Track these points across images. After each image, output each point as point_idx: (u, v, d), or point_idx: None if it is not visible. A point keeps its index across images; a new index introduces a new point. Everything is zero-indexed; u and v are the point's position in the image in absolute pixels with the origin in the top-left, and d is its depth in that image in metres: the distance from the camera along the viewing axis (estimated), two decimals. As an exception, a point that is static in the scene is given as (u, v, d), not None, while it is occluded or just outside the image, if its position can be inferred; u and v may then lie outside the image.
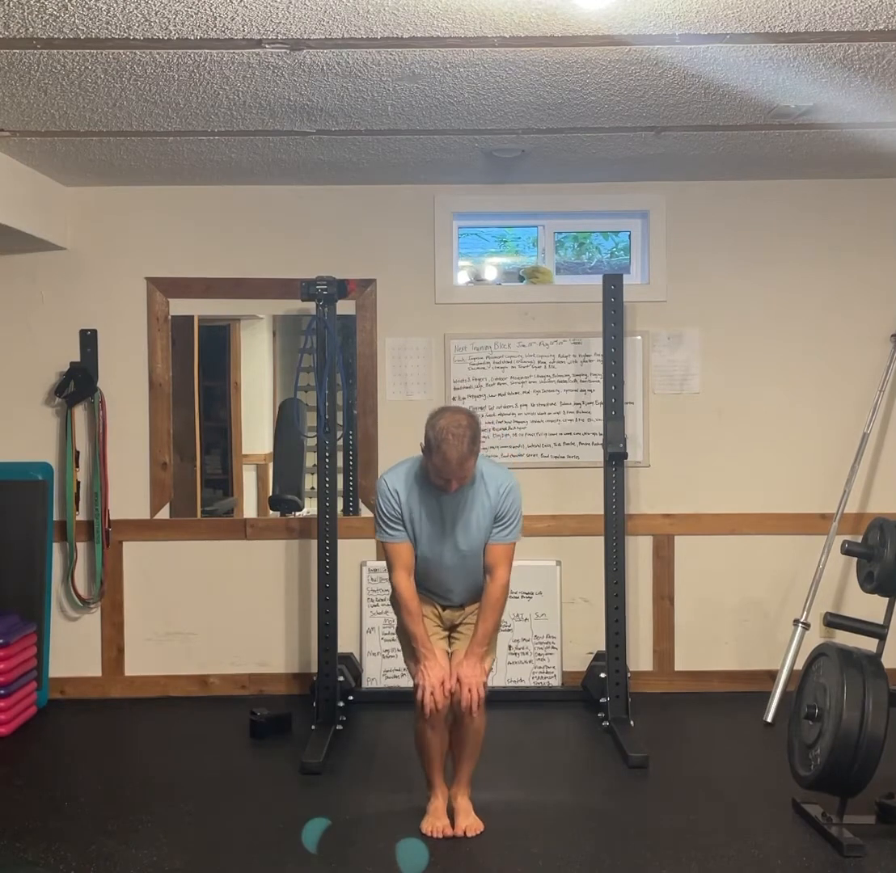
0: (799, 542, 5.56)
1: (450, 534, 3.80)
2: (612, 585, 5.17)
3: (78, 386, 5.48)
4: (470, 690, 3.74)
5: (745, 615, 5.63)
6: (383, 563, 4.06)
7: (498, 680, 5.48)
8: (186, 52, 3.51)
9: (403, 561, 3.82)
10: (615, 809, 4.19)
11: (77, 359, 5.52)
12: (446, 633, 3.97)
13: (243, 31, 3.33)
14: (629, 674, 5.23)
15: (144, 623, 5.61)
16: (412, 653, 3.84)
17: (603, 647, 5.22)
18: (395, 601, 3.88)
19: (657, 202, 5.62)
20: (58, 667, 5.52)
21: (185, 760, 4.74)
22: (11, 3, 3.09)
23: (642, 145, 4.81)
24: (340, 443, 5.47)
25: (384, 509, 3.80)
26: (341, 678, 5.18)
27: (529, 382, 5.62)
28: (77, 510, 5.54)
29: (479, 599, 3.89)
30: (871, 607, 4.32)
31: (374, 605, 5.53)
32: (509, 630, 5.51)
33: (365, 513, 5.55)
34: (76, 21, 3.22)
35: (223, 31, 3.33)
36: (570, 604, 5.60)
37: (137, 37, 3.35)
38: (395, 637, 5.40)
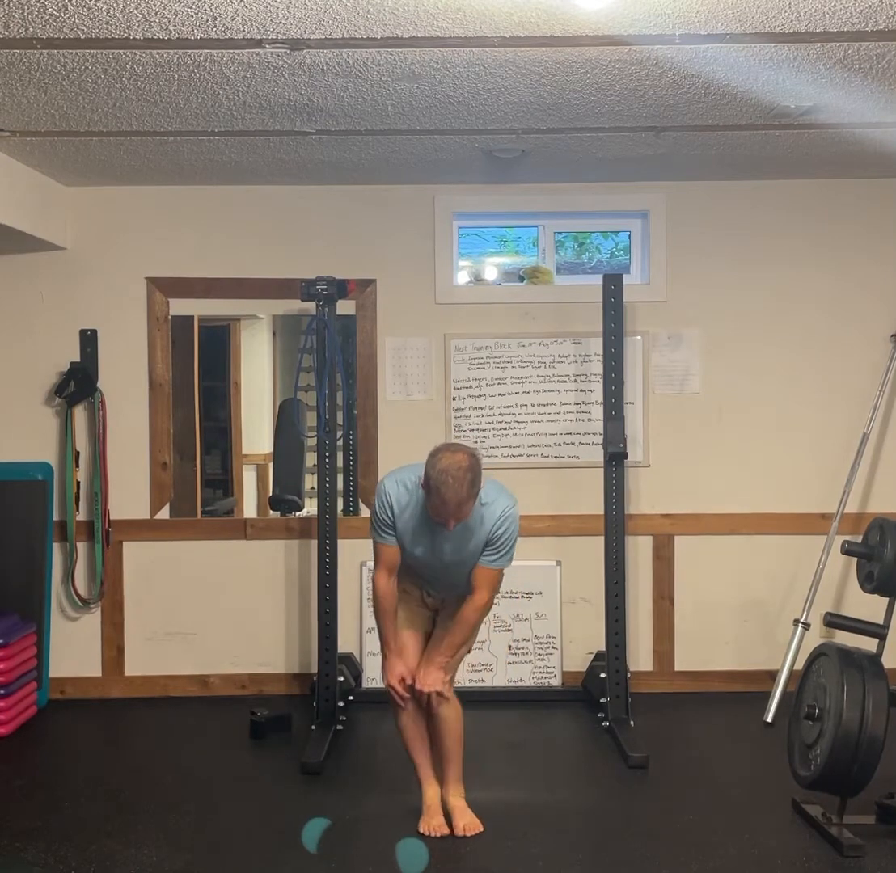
0: (799, 542, 5.56)
1: (438, 550, 3.81)
2: (612, 585, 5.17)
3: (78, 386, 5.48)
4: (425, 693, 3.85)
5: (745, 615, 5.63)
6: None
7: (498, 680, 5.50)
8: (186, 52, 3.51)
9: (388, 561, 3.86)
10: (615, 809, 4.19)
11: (77, 359, 5.52)
12: (430, 613, 4.00)
13: (243, 31, 3.33)
14: (629, 674, 5.23)
15: (144, 623, 5.61)
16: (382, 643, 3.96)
17: (603, 647, 5.22)
18: (374, 596, 3.93)
19: (657, 202, 5.62)
20: (58, 667, 5.52)
21: (185, 760, 4.75)
22: (11, 3, 3.09)
23: (642, 145, 4.81)
24: (340, 443, 5.47)
25: (379, 513, 3.84)
26: (341, 678, 5.18)
27: (529, 382, 5.62)
28: (77, 510, 5.54)
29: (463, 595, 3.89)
30: (871, 607, 4.32)
31: (374, 605, 5.53)
32: (509, 630, 5.52)
33: (365, 513, 5.55)
34: (76, 21, 3.22)
35: (223, 31, 3.33)
36: (570, 604, 5.60)
37: (137, 37, 3.35)
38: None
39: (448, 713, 3.90)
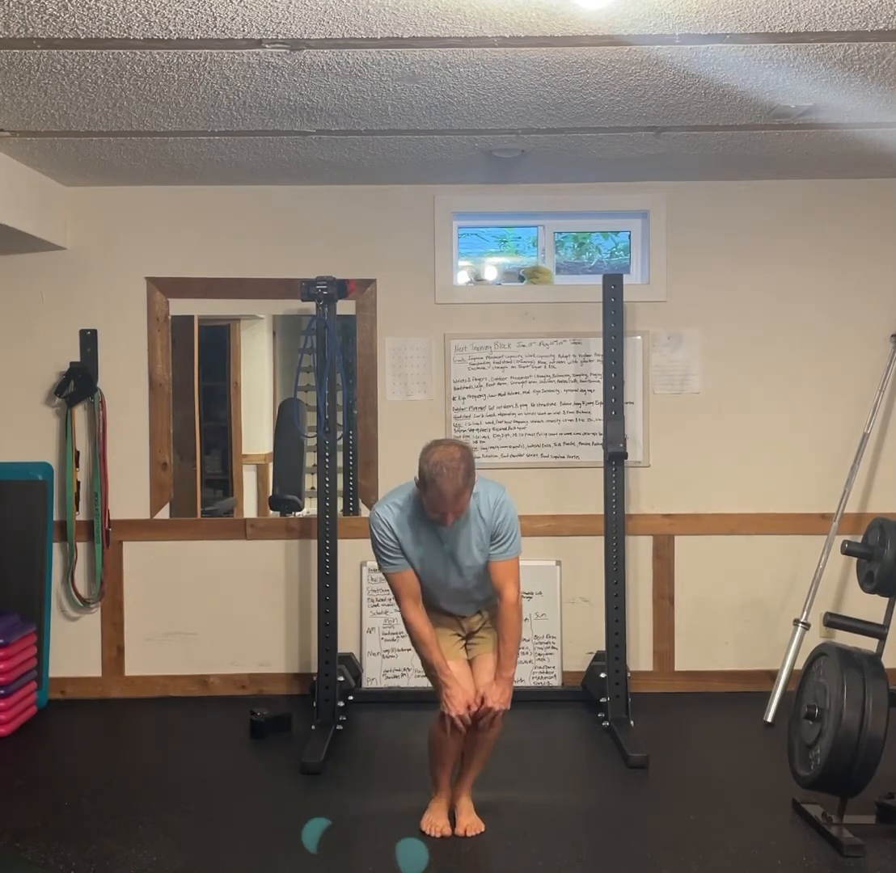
0: (799, 542, 5.56)
1: (451, 561, 3.77)
2: (612, 585, 5.17)
3: (78, 386, 5.48)
4: (492, 711, 3.81)
5: (745, 615, 5.63)
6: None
7: (498, 680, 5.49)
8: (186, 52, 3.51)
9: (409, 589, 3.79)
10: (615, 809, 4.19)
11: (77, 359, 5.52)
12: (464, 640, 3.94)
13: (243, 31, 3.33)
14: (629, 674, 5.23)
15: (144, 623, 5.61)
16: (433, 676, 3.84)
17: (603, 647, 5.22)
18: (408, 631, 3.86)
19: (657, 202, 5.62)
20: (58, 667, 5.52)
21: (185, 760, 4.75)
22: (11, 3, 3.09)
23: (642, 145, 4.81)
24: (340, 443, 5.47)
25: (380, 541, 3.77)
26: (341, 678, 5.17)
27: (529, 382, 5.62)
28: (77, 510, 5.54)
29: (495, 602, 3.85)
30: (871, 607, 4.33)
31: (374, 605, 5.53)
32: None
33: (365, 513, 5.54)
34: (76, 21, 3.22)
35: (223, 31, 3.33)
36: (570, 604, 5.60)
37: (137, 37, 3.35)
38: (395, 637, 5.43)
39: (496, 732, 3.91)
